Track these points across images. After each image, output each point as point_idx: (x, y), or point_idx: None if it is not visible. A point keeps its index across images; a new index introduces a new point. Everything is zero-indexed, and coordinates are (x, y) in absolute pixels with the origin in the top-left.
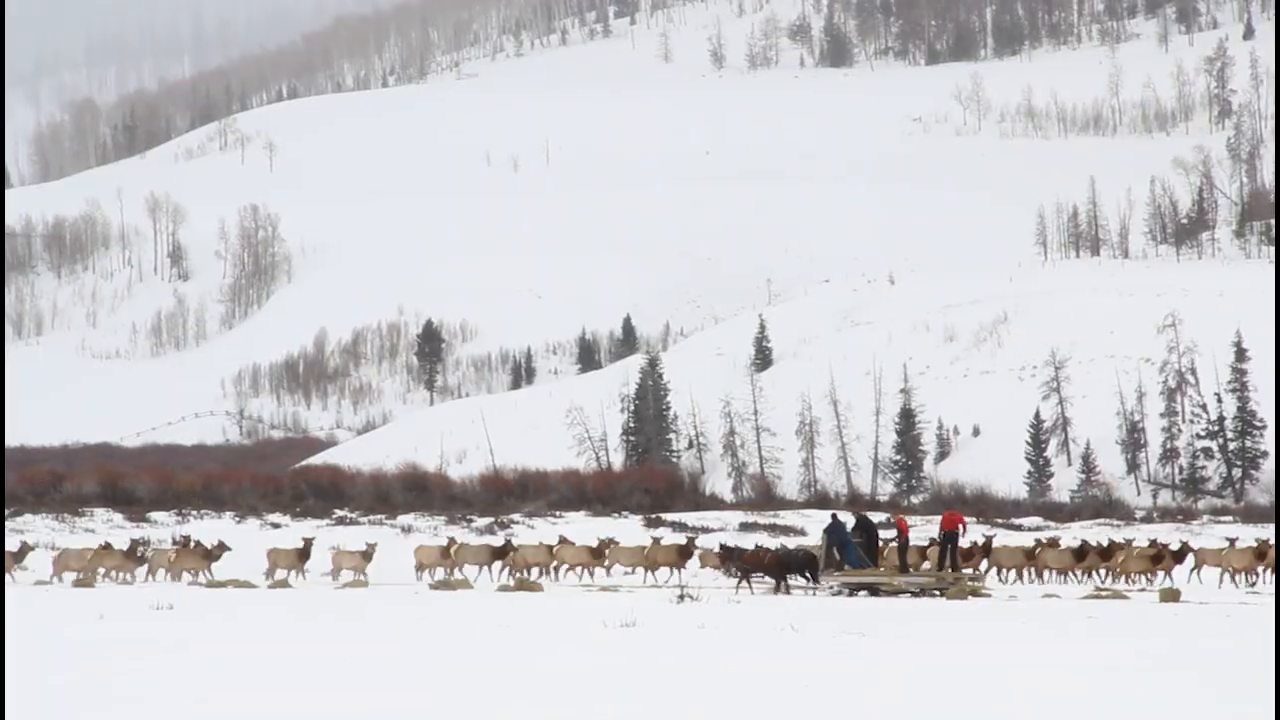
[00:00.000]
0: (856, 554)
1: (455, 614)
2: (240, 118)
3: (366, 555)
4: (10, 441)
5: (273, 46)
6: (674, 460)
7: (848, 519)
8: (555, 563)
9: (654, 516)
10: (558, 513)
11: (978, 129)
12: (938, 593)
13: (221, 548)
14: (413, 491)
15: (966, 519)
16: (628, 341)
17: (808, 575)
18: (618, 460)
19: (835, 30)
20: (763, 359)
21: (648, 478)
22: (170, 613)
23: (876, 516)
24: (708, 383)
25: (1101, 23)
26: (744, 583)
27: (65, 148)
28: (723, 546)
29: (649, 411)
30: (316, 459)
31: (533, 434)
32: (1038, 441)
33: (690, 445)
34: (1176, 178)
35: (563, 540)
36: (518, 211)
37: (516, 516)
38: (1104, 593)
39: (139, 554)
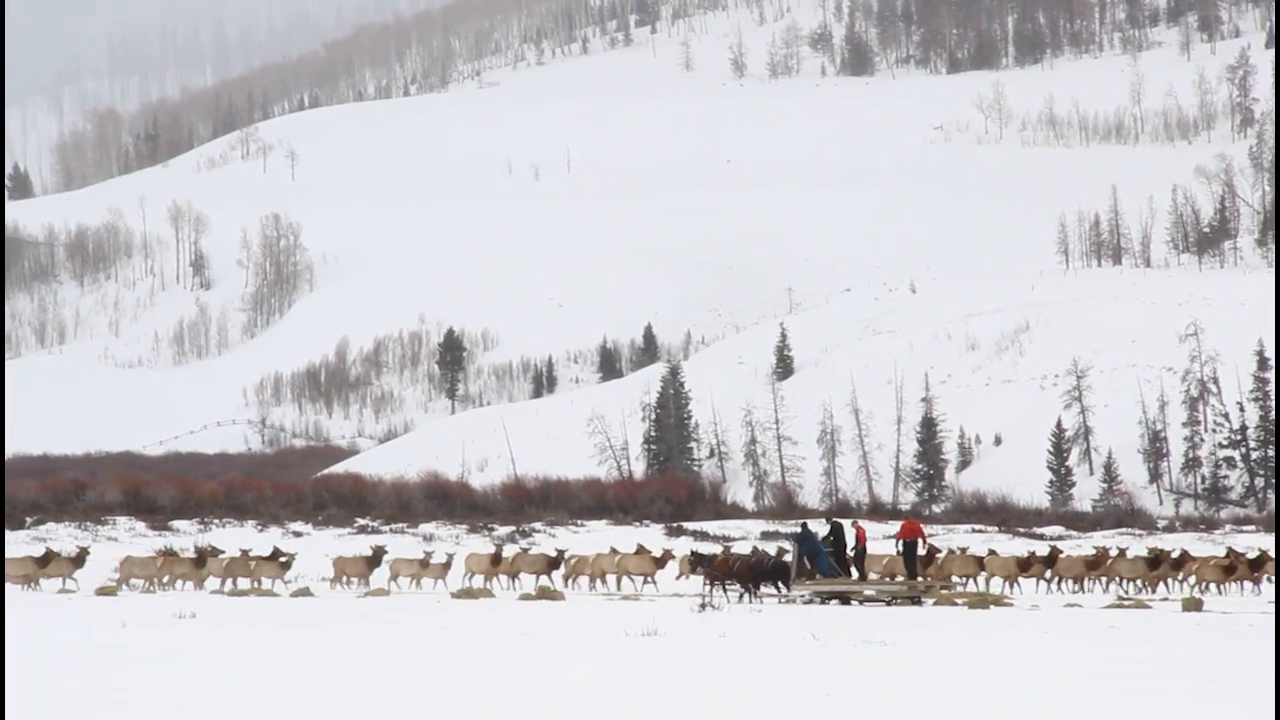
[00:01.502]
0: (828, 562)
1: (477, 623)
2: (262, 126)
3: (424, 563)
4: (33, 450)
5: (294, 55)
6: (695, 469)
7: (821, 527)
8: (617, 573)
9: (675, 525)
10: (579, 521)
11: (999, 137)
12: (911, 601)
13: (291, 557)
14: (434, 500)
15: (985, 528)
16: (649, 350)
17: (779, 583)
18: (639, 469)
19: (856, 39)
20: (784, 368)
21: (669, 486)
22: (192, 621)
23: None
24: (729, 391)
25: (1123, 31)
26: (714, 590)
27: (88, 157)
28: (693, 553)
29: (670, 420)
30: (338, 468)
31: (554, 443)
32: (1059, 450)
33: (711, 454)
34: (1199, 186)
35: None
36: (539, 220)
37: (538, 525)
38: (1126, 602)
39: (206, 561)
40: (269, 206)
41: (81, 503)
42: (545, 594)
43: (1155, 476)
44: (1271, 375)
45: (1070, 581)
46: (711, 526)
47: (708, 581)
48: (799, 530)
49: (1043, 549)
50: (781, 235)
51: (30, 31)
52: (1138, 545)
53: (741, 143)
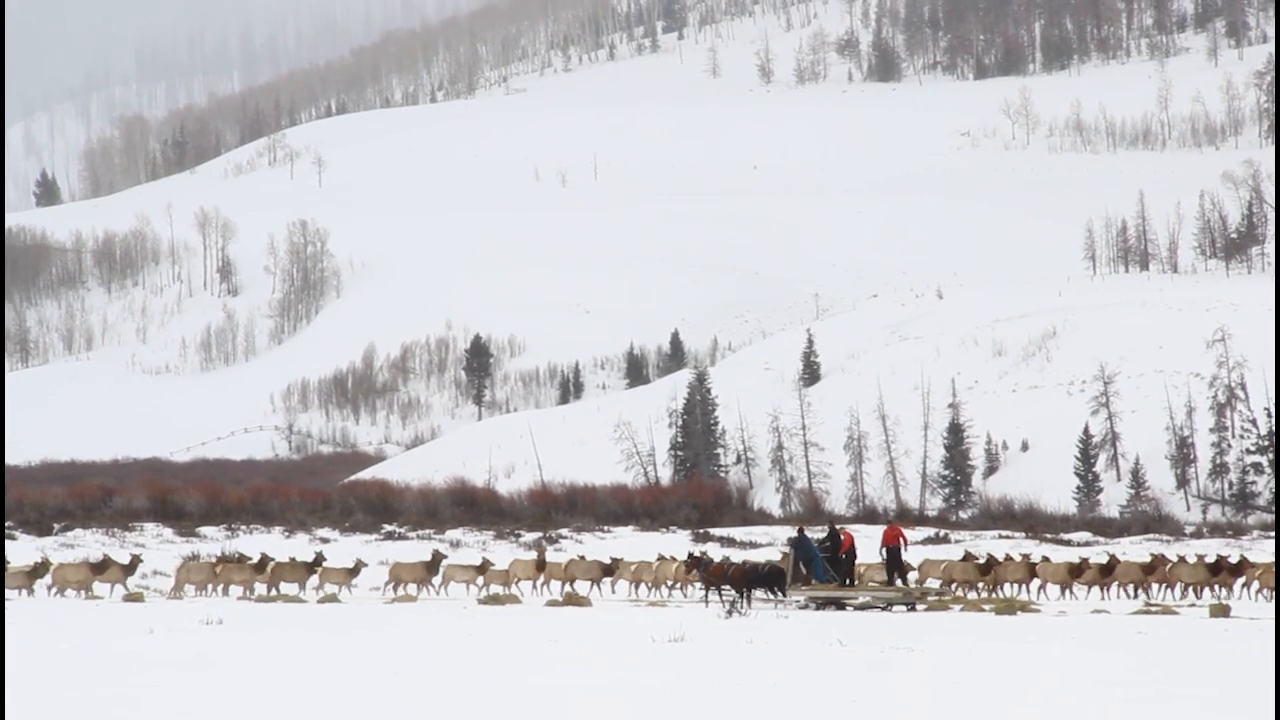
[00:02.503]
0: (823, 568)
1: (504, 629)
2: (289, 133)
3: (481, 569)
4: (60, 456)
5: (321, 62)
6: (722, 475)
7: (817, 533)
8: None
9: (702, 531)
10: (606, 527)
11: (1026, 143)
12: (905, 607)
13: (360, 564)
14: (461, 506)
15: (1012, 534)
16: (675, 356)
17: (774, 589)
18: (666, 475)
19: (883, 45)
20: (811, 374)
21: (696, 492)
22: (220, 627)
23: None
24: (756, 397)
25: (1150, 37)
26: (710, 595)
27: (115, 164)
28: (690, 556)
29: (697, 426)
30: (365, 474)
31: (581, 449)
32: (1086, 456)
33: (738, 460)
34: (1226, 192)
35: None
36: (566, 226)
37: (565, 531)
38: (1153, 608)
39: (266, 566)
40: (296, 213)
41: (109, 509)
42: (572, 600)
43: (1182, 482)
44: None
45: (1130, 587)
46: (738, 532)
47: (703, 586)
48: (795, 535)
49: (1094, 555)
50: (808, 241)
51: (58, 39)
52: (1168, 551)
53: (768, 149)
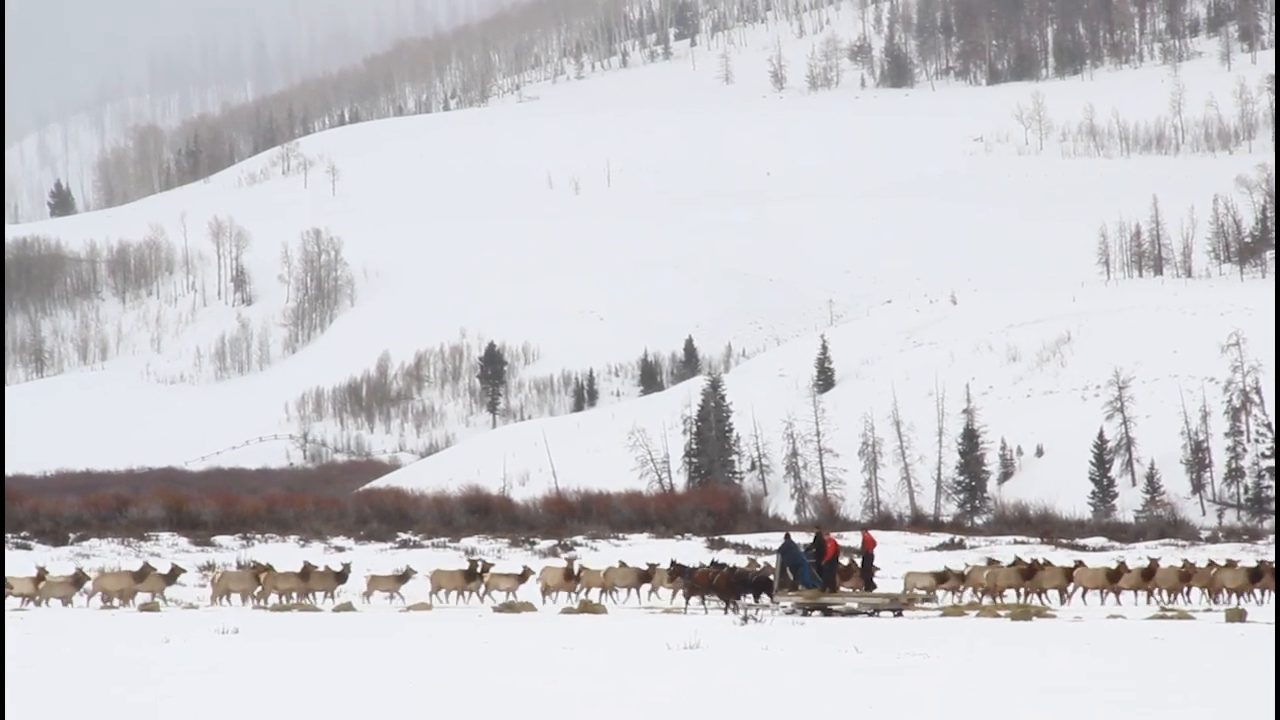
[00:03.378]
0: (811, 574)
1: (520, 637)
2: (303, 142)
3: (522, 578)
4: (75, 466)
5: (335, 70)
6: (736, 481)
7: (804, 538)
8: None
9: (717, 538)
10: (621, 535)
11: (1039, 148)
12: (891, 613)
13: (409, 571)
14: (476, 514)
15: (1027, 539)
16: (690, 363)
17: (761, 595)
18: (680, 482)
19: (896, 51)
20: (825, 380)
21: (710, 499)
22: (235, 636)
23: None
24: (770, 404)
25: (1163, 41)
26: (693, 601)
27: (130, 173)
28: (673, 564)
29: (711, 433)
30: (380, 482)
31: (595, 456)
32: (1102, 461)
33: (753, 466)
34: (1240, 196)
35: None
36: (579, 233)
37: (579, 539)
38: (1170, 613)
39: (310, 575)
40: (310, 221)
41: (124, 519)
42: (588, 608)
43: (1198, 487)
44: None
45: (1167, 593)
46: (754, 539)
47: (688, 594)
48: (782, 541)
49: (1102, 560)
50: (822, 247)
51: (72, 50)
52: (1186, 556)
53: (781, 155)
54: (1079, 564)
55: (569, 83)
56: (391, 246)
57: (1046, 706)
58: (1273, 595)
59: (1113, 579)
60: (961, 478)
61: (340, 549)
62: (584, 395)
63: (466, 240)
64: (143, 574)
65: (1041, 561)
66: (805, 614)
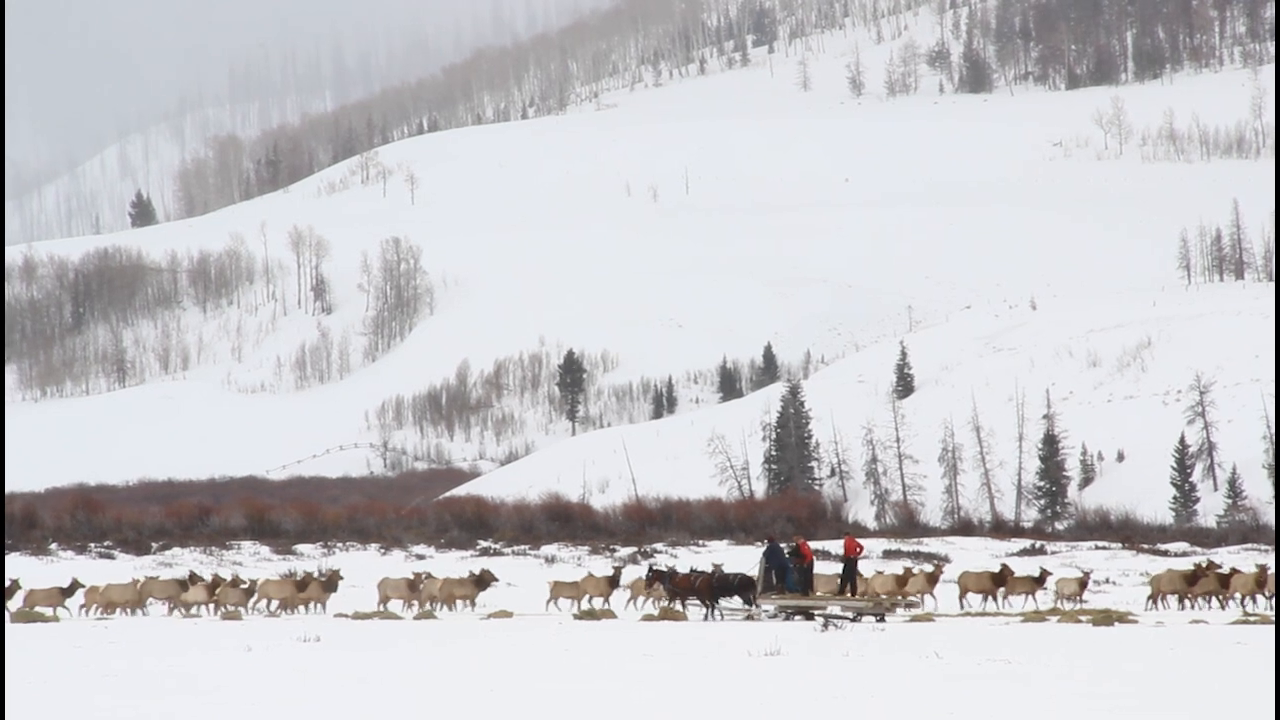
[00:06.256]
0: (794, 578)
1: (601, 644)
2: (381, 151)
3: (613, 581)
4: (158, 475)
5: (413, 79)
6: (816, 488)
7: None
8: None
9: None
10: (701, 542)
11: (1119, 153)
12: (874, 618)
13: (490, 576)
14: (556, 522)
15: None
16: (768, 369)
17: (744, 598)
18: (760, 489)
19: (974, 56)
20: (904, 386)
21: (790, 506)
22: (317, 644)
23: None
24: (849, 410)
25: (1243, 45)
26: (672, 606)
27: (210, 183)
28: (652, 569)
29: (790, 439)
30: (460, 490)
31: (674, 463)
32: (1183, 466)
33: (832, 473)
34: None
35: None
36: (658, 240)
37: (660, 546)
38: (1252, 618)
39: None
40: (389, 230)
41: (206, 528)
42: (668, 615)
43: None
44: None
45: (1245, 597)
46: (834, 545)
47: (669, 598)
48: (766, 546)
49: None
50: (900, 253)
51: (153, 61)
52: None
53: (860, 161)
54: (1235, 570)
55: (647, 90)
56: (470, 255)
57: (1126, 710)
58: None
59: (1190, 582)
60: (1042, 483)
61: (420, 557)
62: (663, 402)
63: (545, 248)
64: (304, 582)
65: (1042, 571)
66: (788, 617)
